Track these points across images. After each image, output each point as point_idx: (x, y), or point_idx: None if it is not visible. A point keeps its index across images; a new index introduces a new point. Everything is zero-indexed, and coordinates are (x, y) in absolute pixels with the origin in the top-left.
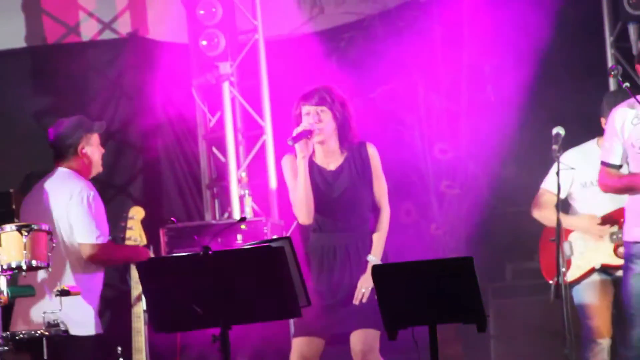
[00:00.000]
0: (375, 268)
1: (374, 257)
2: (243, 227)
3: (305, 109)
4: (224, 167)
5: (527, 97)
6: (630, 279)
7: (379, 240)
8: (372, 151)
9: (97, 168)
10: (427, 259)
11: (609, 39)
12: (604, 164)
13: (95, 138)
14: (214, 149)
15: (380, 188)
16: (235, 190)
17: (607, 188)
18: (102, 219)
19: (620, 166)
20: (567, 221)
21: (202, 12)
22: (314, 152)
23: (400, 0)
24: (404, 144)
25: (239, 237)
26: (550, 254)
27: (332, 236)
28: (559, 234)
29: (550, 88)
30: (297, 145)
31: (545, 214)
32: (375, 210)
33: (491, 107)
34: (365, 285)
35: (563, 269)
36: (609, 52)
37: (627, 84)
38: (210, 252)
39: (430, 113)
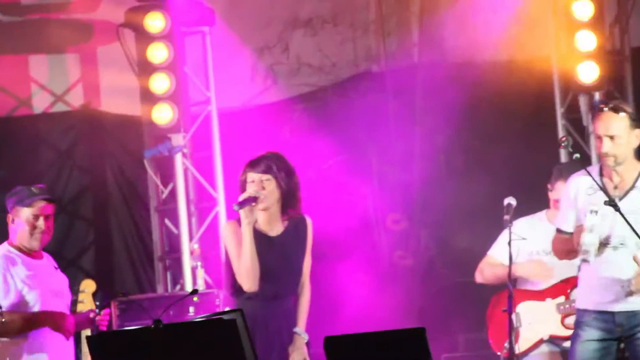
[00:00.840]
0: (328, 340)
1: (302, 330)
2: (195, 299)
3: (250, 176)
4: (177, 239)
5: (479, 167)
6: (577, 345)
7: (303, 313)
8: (310, 225)
9: (28, 242)
10: (380, 330)
11: (559, 110)
12: (558, 230)
13: (25, 211)
14: (167, 221)
15: (308, 263)
16: (187, 262)
17: (559, 252)
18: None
19: (572, 233)
20: (515, 268)
21: (154, 83)
22: (256, 219)
23: (353, 71)
24: (357, 215)
25: (191, 309)
26: (498, 325)
27: (269, 304)
28: (511, 305)
29: (503, 158)
30: (241, 212)
31: (487, 275)
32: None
33: (443, 178)
34: (298, 358)
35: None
36: (560, 123)
37: (577, 155)
38: (161, 326)
39: (383, 184)
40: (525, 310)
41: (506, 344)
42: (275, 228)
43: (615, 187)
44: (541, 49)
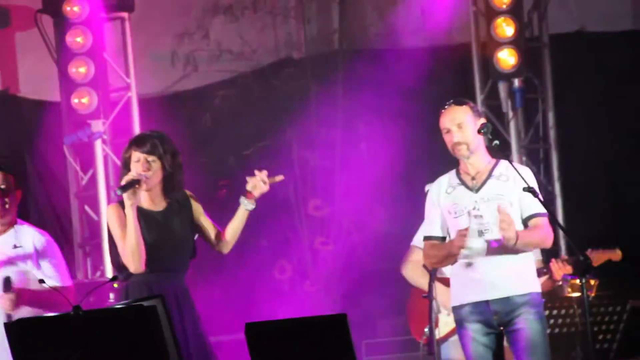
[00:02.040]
0: (248, 326)
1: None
2: (115, 285)
3: (136, 155)
4: (97, 226)
5: (400, 153)
6: (468, 344)
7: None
8: (191, 196)
9: None
10: (301, 317)
11: (479, 97)
12: (426, 238)
13: None
14: (87, 207)
15: (210, 227)
16: (107, 249)
17: (433, 260)
18: None
19: (444, 238)
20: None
21: (73, 69)
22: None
23: (274, 58)
24: (279, 201)
25: (112, 296)
26: (418, 312)
27: (159, 275)
28: (431, 289)
29: (423, 145)
30: (125, 195)
31: (412, 275)
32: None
33: (365, 164)
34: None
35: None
36: (480, 109)
37: (497, 142)
38: (80, 312)
39: (304, 170)
40: (443, 297)
41: (426, 330)
42: (159, 205)
43: (473, 179)
44: (461, 36)
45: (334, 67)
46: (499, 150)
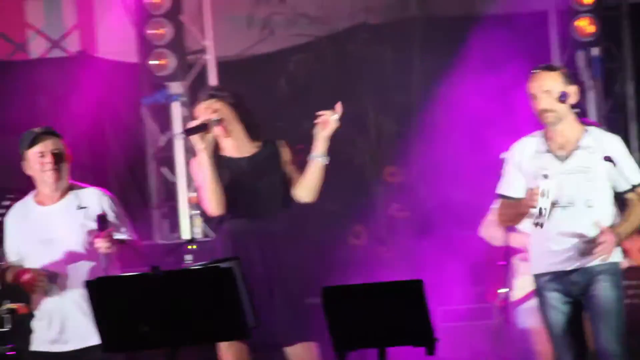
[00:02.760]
0: (325, 290)
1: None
2: (193, 247)
3: (198, 108)
4: (174, 188)
5: (477, 120)
6: (545, 312)
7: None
8: (283, 145)
9: (42, 182)
10: (376, 282)
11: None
12: (502, 197)
13: (30, 153)
14: (164, 169)
15: (296, 172)
16: (185, 211)
17: (505, 218)
18: (5, 242)
19: (519, 199)
20: (515, 239)
21: (151, 32)
22: (223, 148)
23: (350, 22)
24: (355, 167)
25: (188, 257)
26: (495, 275)
27: (250, 221)
28: (508, 255)
29: (499, 112)
30: (193, 140)
31: (492, 233)
32: (287, 208)
33: (443, 130)
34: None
35: (507, 290)
36: None
37: (577, 110)
38: (159, 272)
39: (381, 136)
40: (519, 262)
41: (500, 292)
42: (244, 152)
43: (560, 148)
44: (538, 3)
45: (410, 33)
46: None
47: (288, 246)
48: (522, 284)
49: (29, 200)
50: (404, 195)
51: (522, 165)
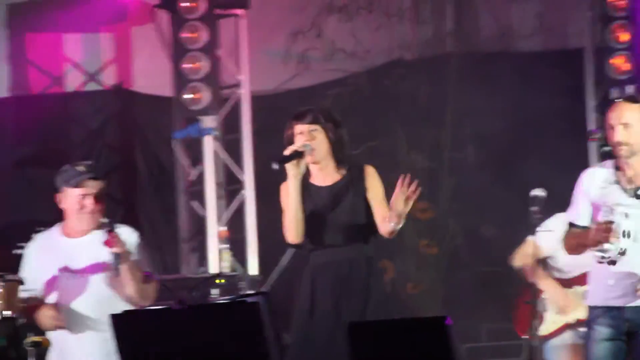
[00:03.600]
0: (352, 325)
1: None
2: (220, 282)
3: (298, 128)
4: (202, 222)
5: (510, 158)
6: (591, 344)
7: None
8: (371, 172)
9: (77, 220)
10: (403, 317)
11: (590, 103)
12: (570, 225)
13: (71, 191)
14: (194, 203)
15: (381, 211)
16: (213, 244)
17: (571, 247)
18: (23, 272)
19: (587, 228)
20: (541, 281)
21: (187, 65)
22: (310, 173)
23: (387, 58)
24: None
25: (215, 291)
26: (525, 311)
27: (333, 251)
28: (536, 285)
29: (534, 151)
30: (288, 166)
31: (520, 260)
32: (372, 235)
33: (473, 167)
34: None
35: (540, 326)
36: (591, 116)
37: (607, 147)
38: (185, 306)
39: (412, 171)
40: (553, 297)
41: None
42: (329, 180)
43: (630, 181)
44: (575, 41)
45: (445, 68)
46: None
47: (368, 276)
48: (554, 318)
49: (54, 231)
50: (433, 231)
51: (590, 193)
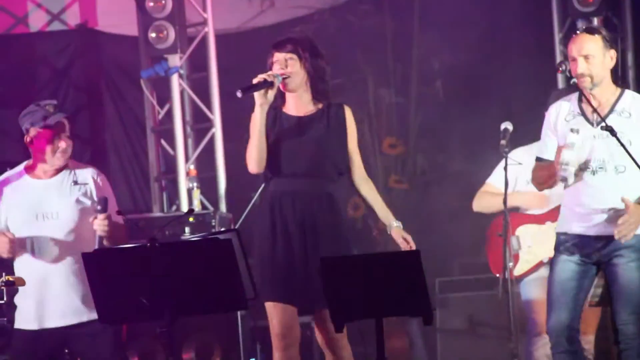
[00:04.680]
0: (324, 260)
1: (397, 223)
2: (191, 219)
3: (276, 56)
4: (173, 160)
5: (477, 93)
6: (556, 265)
7: (384, 207)
8: (349, 113)
9: (49, 160)
10: (374, 252)
11: (557, 35)
12: (537, 159)
13: (41, 132)
14: (163, 142)
15: (356, 155)
16: (183, 183)
17: (539, 180)
18: None
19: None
20: (513, 197)
21: (151, 4)
22: (285, 102)
23: None
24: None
25: (187, 229)
26: (498, 248)
27: (295, 181)
28: (506, 229)
29: (501, 84)
30: (256, 95)
31: (484, 203)
32: (343, 176)
33: (440, 102)
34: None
35: (510, 264)
36: (558, 48)
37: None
38: (157, 244)
39: (379, 108)
40: (525, 234)
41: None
42: (302, 111)
43: (593, 111)
44: None
45: (410, 4)
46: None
47: (328, 212)
48: (526, 257)
49: (19, 171)
50: (403, 167)
51: (557, 127)
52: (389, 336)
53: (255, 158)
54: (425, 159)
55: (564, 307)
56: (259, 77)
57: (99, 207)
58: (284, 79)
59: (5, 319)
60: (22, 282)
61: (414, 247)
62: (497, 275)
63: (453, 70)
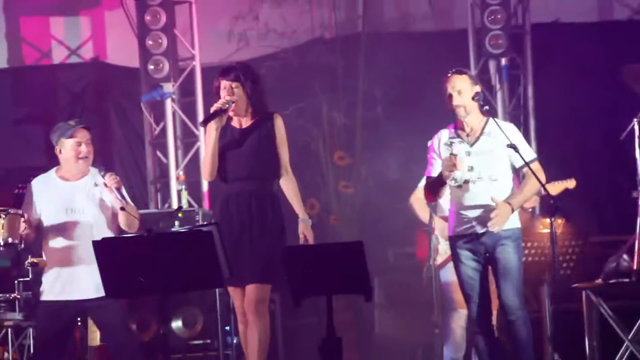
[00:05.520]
0: (286, 249)
1: (305, 219)
2: (180, 215)
3: (223, 83)
4: (166, 167)
5: (409, 116)
6: (459, 267)
7: (298, 200)
8: (278, 121)
9: (75, 165)
10: (327, 243)
11: (473, 72)
12: (427, 178)
13: (68, 142)
14: (158, 153)
15: (284, 155)
16: (174, 186)
17: (430, 194)
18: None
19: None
20: (437, 224)
21: (150, 42)
22: (231, 118)
23: (311, 37)
24: (311, 152)
25: (176, 223)
26: (423, 244)
27: (235, 184)
28: (431, 223)
29: (428, 109)
30: (216, 119)
31: (416, 208)
32: (277, 176)
33: (380, 123)
34: (308, 235)
35: (436, 256)
36: None
37: (487, 107)
38: (152, 234)
39: (332, 127)
40: (442, 231)
41: (430, 259)
42: (244, 123)
43: (468, 135)
44: (460, 23)
45: (357, 45)
46: (488, 113)
47: (264, 207)
48: (445, 248)
49: (51, 176)
50: (349, 175)
51: (440, 151)
52: (337, 311)
53: (207, 170)
54: (367, 169)
55: (473, 299)
56: (215, 106)
57: (102, 173)
58: (232, 103)
59: (30, 292)
60: (44, 264)
61: (310, 242)
62: (424, 268)
63: (390, 98)
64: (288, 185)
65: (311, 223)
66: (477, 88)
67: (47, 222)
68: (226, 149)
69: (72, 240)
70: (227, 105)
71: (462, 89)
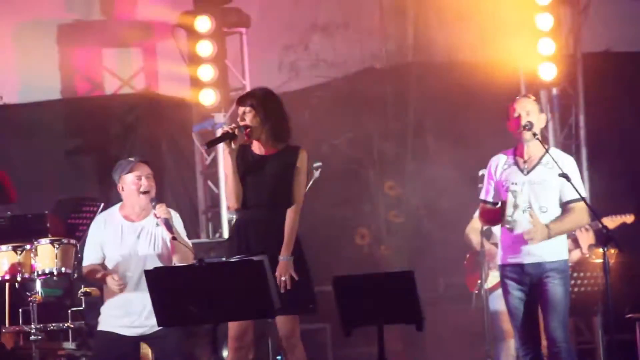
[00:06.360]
0: (336, 279)
1: (284, 257)
2: None
3: (239, 109)
4: (217, 197)
5: (460, 145)
6: (506, 296)
7: (290, 237)
8: (302, 154)
9: (137, 200)
10: (377, 272)
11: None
12: (482, 201)
13: (128, 177)
14: (209, 182)
15: (298, 185)
16: (225, 215)
17: (485, 220)
18: (88, 245)
19: (495, 203)
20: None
21: (201, 73)
22: (252, 144)
23: (361, 67)
24: (361, 181)
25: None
26: (473, 269)
27: (256, 211)
28: (484, 252)
29: (480, 138)
30: (225, 145)
31: (472, 237)
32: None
33: (431, 153)
34: (282, 275)
35: (485, 283)
36: None
37: (538, 136)
38: (204, 264)
39: (382, 157)
40: (494, 257)
41: (478, 282)
42: (265, 151)
43: (525, 162)
44: (510, 52)
45: (407, 75)
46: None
47: (282, 235)
48: (495, 274)
49: (115, 213)
50: (399, 204)
51: (496, 174)
52: (388, 340)
53: (233, 196)
54: (418, 198)
55: (520, 328)
56: (222, 130)
57: (153, 203)
58: (245, 129)
59: (83, 321)
60: (97, 293)
61: (284, 283)
62: (472, 291)
63: (440, 128)
64: (289, 215)
65: (292, 260)
66: (544, 116)
67: (110, 262)
68: (246, 174)
69: (132, 274)
70: (236, 131)
71: (531, 111)
